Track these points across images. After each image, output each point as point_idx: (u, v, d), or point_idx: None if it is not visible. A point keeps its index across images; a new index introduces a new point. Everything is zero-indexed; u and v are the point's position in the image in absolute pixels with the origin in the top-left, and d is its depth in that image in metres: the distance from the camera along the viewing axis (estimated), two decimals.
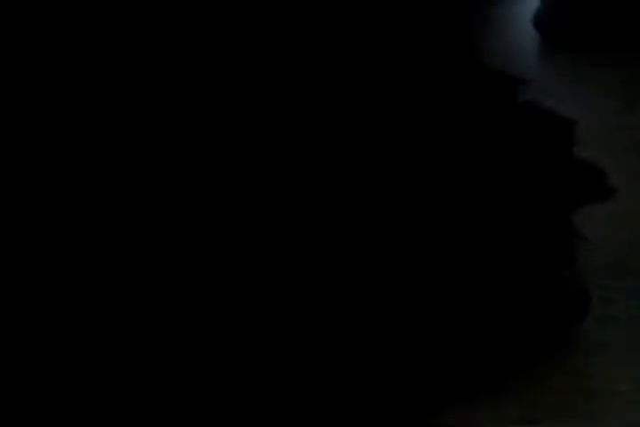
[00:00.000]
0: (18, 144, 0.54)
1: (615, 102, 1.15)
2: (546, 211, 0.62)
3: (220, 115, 0.56)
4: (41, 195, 0.53)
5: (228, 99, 0.56)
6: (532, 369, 0.61)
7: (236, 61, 0.57)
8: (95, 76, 0.56)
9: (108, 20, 0.57)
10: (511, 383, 0.59)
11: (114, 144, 0.54)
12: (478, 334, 0.59)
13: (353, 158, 0.57)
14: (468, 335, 0.58)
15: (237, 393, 0.54)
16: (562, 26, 1.39)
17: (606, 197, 0.64)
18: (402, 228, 0.57)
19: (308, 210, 0.55)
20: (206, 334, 0.53)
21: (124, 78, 0.56)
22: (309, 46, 0.59)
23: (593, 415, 0.58)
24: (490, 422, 0.57)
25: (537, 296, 0.61)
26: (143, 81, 0.56)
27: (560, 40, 1.38)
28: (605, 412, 0.58)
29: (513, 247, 0.60)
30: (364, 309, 0.56)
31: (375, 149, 0.57)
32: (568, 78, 1.29)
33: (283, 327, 0.54)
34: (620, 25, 1.33)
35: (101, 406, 0.52)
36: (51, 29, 0.57)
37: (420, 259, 0.57)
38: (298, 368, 0.55)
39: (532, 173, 0.61)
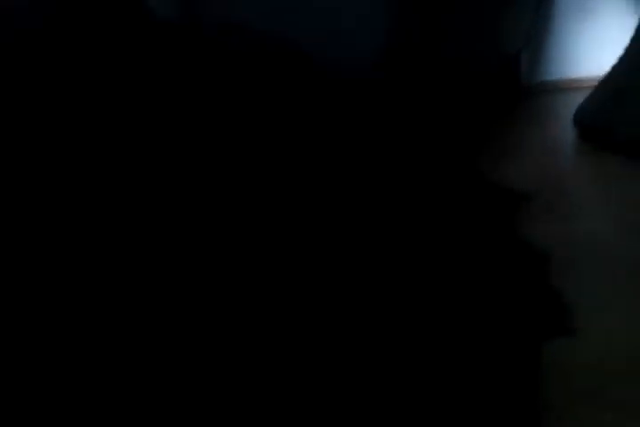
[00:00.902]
0: (18, 144, 0.54)
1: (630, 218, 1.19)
2: (510, 339, 0.64)
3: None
4: (41, 195, 0.54)
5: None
6: None
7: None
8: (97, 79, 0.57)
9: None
10: None
11: (114, 145, 0.55)
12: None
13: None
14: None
15: (237, 393, 0.54)
16: (601, 127, 1.42)
17: (567, 335, 0.68)
18: None
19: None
20: (206, 334, 0.54)
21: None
22: None
23: None
24: None
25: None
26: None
27: (598, 140, 1.43)
28: None
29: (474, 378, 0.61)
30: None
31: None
32: (595, 180, 1.34)
33: (282, 328, 0.55)
34: None
35: (101, 406, 0.52)
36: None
37: None
38: (297, 368, 0.55)
39: (504, 303, 0.64)
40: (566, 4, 1.80)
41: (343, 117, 0.67)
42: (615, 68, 1.47)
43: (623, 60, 1.45)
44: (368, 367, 0.57)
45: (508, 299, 0.65)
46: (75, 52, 0.59)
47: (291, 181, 0.58)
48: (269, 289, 0.54)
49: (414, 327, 0.59)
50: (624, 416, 0.73)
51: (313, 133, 0.63)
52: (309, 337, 0.55)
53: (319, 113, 0.65)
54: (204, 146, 0.57)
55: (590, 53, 1.83)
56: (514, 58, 1.80)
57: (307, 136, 0.62)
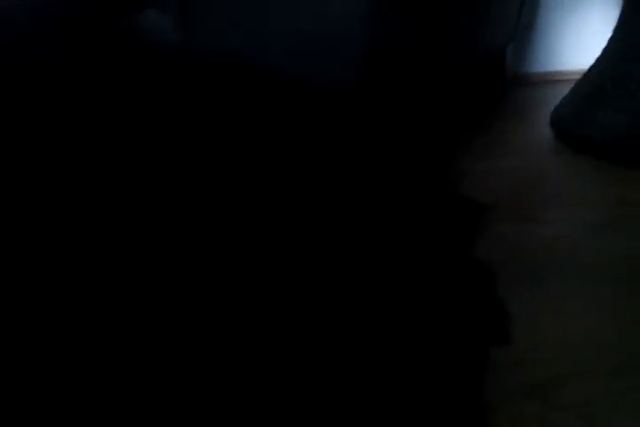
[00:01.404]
0: (18, 144, 0.55)
1: (598, 218, 1.22)
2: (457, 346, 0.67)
3: None
4: (41, 195, 0.54)
5: None
6: None
7: None
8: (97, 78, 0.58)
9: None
10: None
11: (114, 145, 0.56)
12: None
13: None
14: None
15: (237, 393, 0.54)
16: (576, 130, 1.45)
17: (502, 343, 0.71)
18: None
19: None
20: (206, 334, 0.54)
21: None
22: None
23: None
24: None
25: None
26: None
27: (573, 142, 1.46)
28: None
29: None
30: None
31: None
32: (569, 180, 1.37)
33: (282, 328, 0.56)
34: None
35: (101, 406, 0.52)
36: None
37: None
38: (297, 369, 0.56)
39: (449, 313, 0.67)
40: None
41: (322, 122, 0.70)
42: (592, 68, 1.50)
43: (600, 60, 1.47)
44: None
45: (453, 309, 0.68)
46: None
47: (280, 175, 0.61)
48: (267, 289, 0.55)
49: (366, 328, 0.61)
50: (571, 416, 0.78)
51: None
52: (309, 334, 0.56)
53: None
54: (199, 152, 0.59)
55: (575, 46, 1.85)
56: (499, 51, 1.82)
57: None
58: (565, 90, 1.59)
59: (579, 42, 1.85)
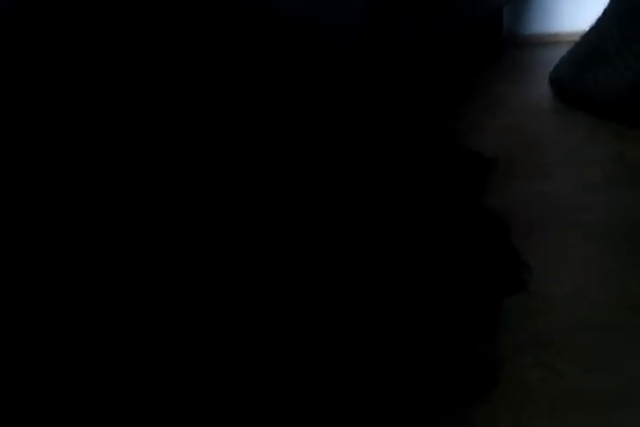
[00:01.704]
0: (18, 144, 0.54)
1: (598, 176, 1.22)
2: (467, 291, 0.68)
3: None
4: (41, 195, 0.53)
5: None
6: None
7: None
8: (95, 77, 0.56)
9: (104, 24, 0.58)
10: None
11: (114, 145, 0.55)
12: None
13: None
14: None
15: (237, 393, 0.54)
16: (576, 88, 1.45)
17: (518, 291, 0.73)
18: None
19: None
20: (206, 333, 0.54)
21: (121, 80, 0.56)
22: None
23: None
24: None
25: (449, 363, 0.66)
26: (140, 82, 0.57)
27: (573, 101, 1.45)
28: None
29: (432, 322, 0.65)
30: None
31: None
32: (571, 140, 1.36)
33: (282, 328, 0.56)
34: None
35: (101, 406, 0.52)
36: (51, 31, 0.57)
37: None
38: (296, 368, 0.56)
39: (464, 259, 0.67)
40: None
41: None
42: (592, 29, 1.49)
43: (601, 21, 1.46)
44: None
45: (468, 260, 0.68)
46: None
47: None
48: (267, 289, 0.55)
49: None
50: (580, 368, 0.78)
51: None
52: (303, 336, 0.57)
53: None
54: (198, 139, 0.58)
55: (572, 8, 1.84)
56: (496, 11, 1.80)
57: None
58: (563, 51, 1.58)
59: (577, 4, 1.83)
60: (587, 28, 1.51)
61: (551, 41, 1.85)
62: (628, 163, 1.26)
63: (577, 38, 1.55)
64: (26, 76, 0.56)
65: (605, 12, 1.46)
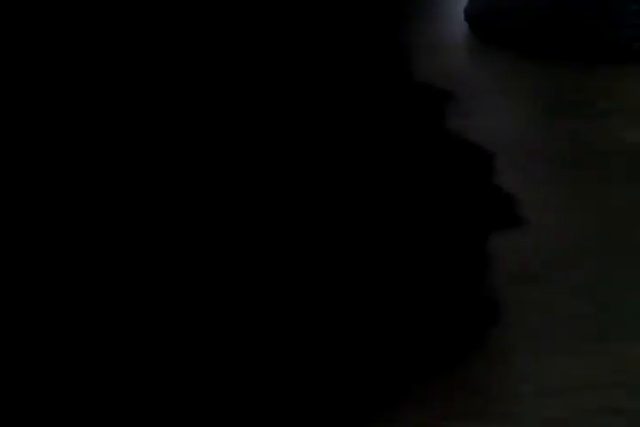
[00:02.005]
0: (18, 144, 0.54)
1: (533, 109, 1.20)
2: (457, 234, 0.65)
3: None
4: (41, 195, 0.53)
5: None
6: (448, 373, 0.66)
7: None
8: (94, 77, 0.56)
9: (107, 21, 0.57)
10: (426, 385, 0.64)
11: (113, 144, 0.54)
12: (395, 336, 0.62)
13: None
14: (387, 338, 0.61)
15: (237, 393, 0.55)
16: (491, 22, 1.41)
17: (516, 226, 0.68)
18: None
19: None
20: (206, 333, 0.54)
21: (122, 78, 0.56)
22: None
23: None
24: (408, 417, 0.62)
25: (448, 306, 0.64)
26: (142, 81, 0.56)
27: (489, 35, 1.41)
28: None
29: (423, 265, 0.63)
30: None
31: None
32: (495, 76, 1.33)
33: (281, 328, 0.55)
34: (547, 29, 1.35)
35: (101, 406, 0.52)
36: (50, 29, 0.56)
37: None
38: (296, 368, 0.56)
39: (446, 198, 0.64)
40: None
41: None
42: None
43: None
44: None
45: (453, 193, 0.66)
46: None
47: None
48: (267, 288, 0.55)
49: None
50: (576, 300, 0.76)
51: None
52: (307, 336, 0.56)
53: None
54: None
55: None
56: None
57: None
58: None
59: None
60: None
61: None
62: (558, 94, 1.25)
63: None
64: (26, 75, 0.55)
65: None
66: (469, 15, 1.46)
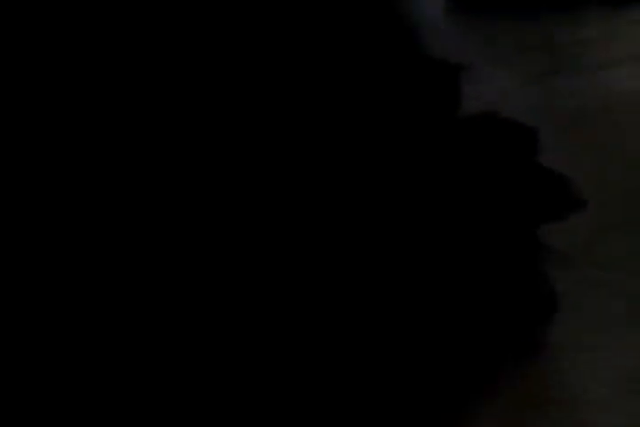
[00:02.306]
0: (18, 144, 0.53)
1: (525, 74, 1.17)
2: (510, 222, 0.63)
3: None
4: (40, 195, 0.53)
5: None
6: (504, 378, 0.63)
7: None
8: (94, 77, 0.55)
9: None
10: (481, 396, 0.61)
11: (113, 144, 0.54)
12: (449, 340, 0.60)
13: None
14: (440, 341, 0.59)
15: (237, 393, 0.54)
16: None
17: (573, 210, 0.65)
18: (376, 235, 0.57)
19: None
20: (206, 333, 0.53)
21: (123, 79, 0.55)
22: None
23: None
24: None
25: (503, 301, 0.62)
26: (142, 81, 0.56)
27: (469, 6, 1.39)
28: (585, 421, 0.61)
29: (477, 256, 0.61)
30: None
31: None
32: (486, 42, 1.30)
33: (282, 328, 0.55)
34: None
35: (101, 406, 0.52)
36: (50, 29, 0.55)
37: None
38: (297, 368, 0.55)
39: (495, 184, 0.62)
40: None
41: None
42: None
43: None
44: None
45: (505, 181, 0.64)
46: None
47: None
48: (268, 289, 0.55)
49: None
50: (621, 272, 0.75)
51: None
52: (309, 336, 0.56)
53: None
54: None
55: None
56: None
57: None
58: None
59: None
60: None
61: None
62: (548, 54, 1.23)
63: None
64: (26, 75, 0.55)
65: None
66: None
